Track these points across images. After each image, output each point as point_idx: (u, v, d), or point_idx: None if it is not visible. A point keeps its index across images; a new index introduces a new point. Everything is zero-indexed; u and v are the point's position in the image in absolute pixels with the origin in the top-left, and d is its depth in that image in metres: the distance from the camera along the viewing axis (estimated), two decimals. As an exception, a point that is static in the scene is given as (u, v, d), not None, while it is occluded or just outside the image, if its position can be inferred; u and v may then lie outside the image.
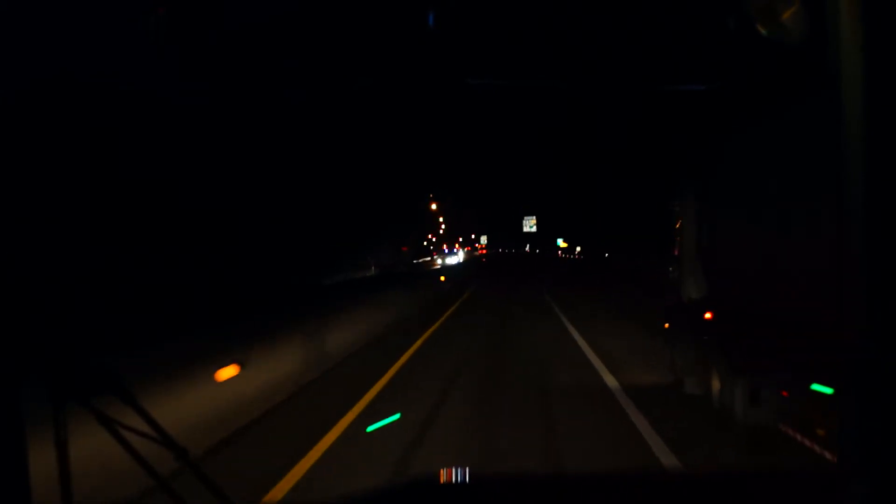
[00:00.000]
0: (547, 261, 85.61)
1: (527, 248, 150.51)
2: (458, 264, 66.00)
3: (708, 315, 6.52)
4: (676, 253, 7.82)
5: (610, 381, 8.05)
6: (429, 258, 70.86)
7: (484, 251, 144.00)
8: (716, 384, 5.82)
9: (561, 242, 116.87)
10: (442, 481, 1.80)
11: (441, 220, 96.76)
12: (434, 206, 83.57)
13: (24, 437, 1.06)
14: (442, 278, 28.66)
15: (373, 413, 6.61)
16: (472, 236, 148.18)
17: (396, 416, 6.09)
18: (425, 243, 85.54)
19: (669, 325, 7.85)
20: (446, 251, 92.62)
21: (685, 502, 1.53)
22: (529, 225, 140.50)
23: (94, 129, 14.49)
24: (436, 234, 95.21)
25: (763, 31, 1.58)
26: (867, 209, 0.88)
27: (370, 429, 5.85)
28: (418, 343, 12.13)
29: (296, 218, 29.75)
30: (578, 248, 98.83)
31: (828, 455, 4.04)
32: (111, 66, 13.79)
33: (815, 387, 4.06)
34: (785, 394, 4.71)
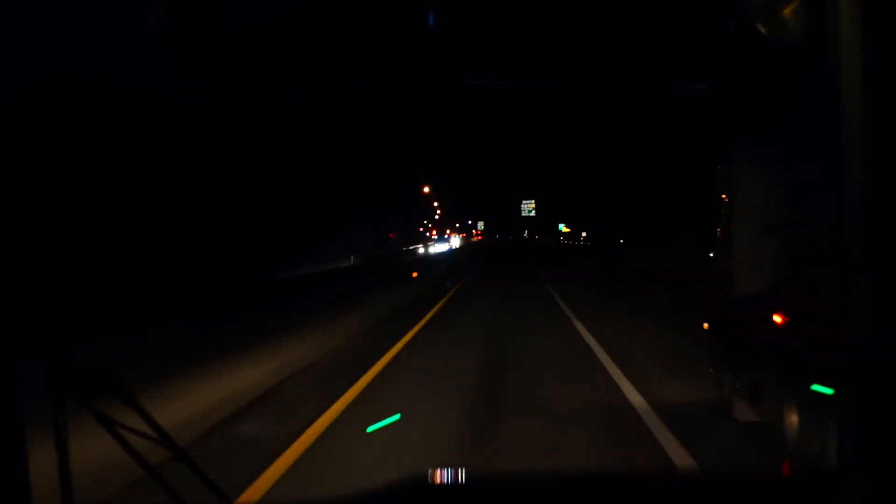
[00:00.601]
0: (548, 248, 74.67)
1: (525, 234, 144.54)
2: (447, 253, 56.77)
3: (778, 318, 4.72)
4: (720, 233, 6.14)
5: (635, 398, 6.35)
6: (418, 245, 62.88)
7: (480, 237, 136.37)
8: (791, 418, 4.41)
9: (563, 227, 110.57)
10: (439, 481, 1.80)
11: (436, 205, 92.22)
12: (427, 190, 78.22)
13: (24, 437, 1.06)
14: (414, 274, 20.24)
15: None
16: (469, 222, 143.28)
17: (397, 417, 6.07)
18: (421, 229, 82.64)
19: (712, 327, 6.22)
20: (436, 238, 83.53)
21: (686, 502, 1.53)
22: (528, 209, 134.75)
23: (94, 129, 14.52)
24: (431, 219, 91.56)
25: (763, 31, 1.58)
26: (867, 209, 0.88)
27: (370, 429, 5.80)
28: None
29: (274, 205, 28.24)
30: (584, 234, 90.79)
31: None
32: (111, 66, 13.81)
33: (815, 387, 4.03)
34: None
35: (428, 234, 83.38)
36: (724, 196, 6.01)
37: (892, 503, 0.87)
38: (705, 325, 6.27)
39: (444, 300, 17.00)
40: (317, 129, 32.64)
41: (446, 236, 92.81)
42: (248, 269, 23.40)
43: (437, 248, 68.11)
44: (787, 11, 1.42)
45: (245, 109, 22.43)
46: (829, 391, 3.71)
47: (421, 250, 59.39)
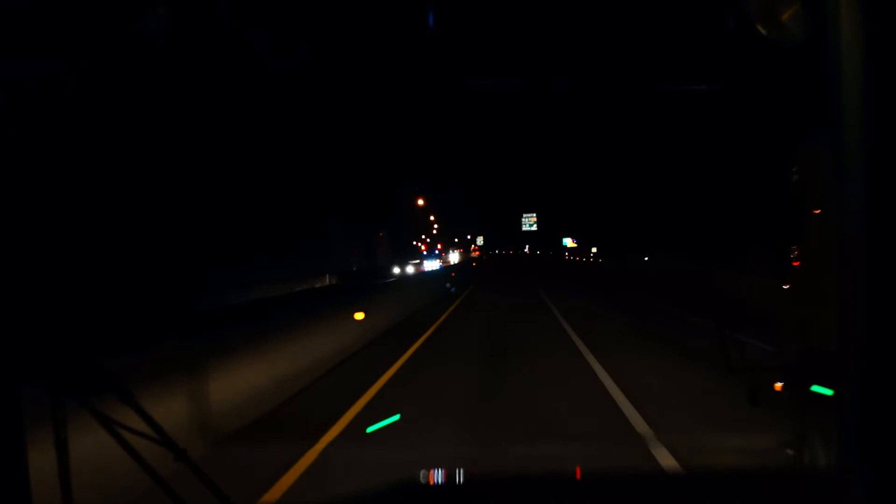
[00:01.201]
0: (559, 267, 60.82)
1: (526, 250, 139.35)
2: (432, 274, 42.64)
3: None
4: (800, 257, 4.45)
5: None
6: (392, 266, 47.14)
7: (478, 253, 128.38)
8: None
9: (568, 242, 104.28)
10: (439, 482, 1.79)
11: (432, 218, 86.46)
12: (421, 202, 72.62)
13: (24, 437, 1.06)
14: (359, 316, 11.34)
15: None
16: (469, 237, 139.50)
17: (396, 417, 6.08)
18: (418, 244, 78.64)
19: (796, 392, 4.21)
20: (425, 254, 72.84)
21: (685, 502, 1.53)
22: (529, 223, 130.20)
23: (92, 130, 14.46)
24: (428, 234, 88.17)
25: (763, 31, 1.58)
26: (867, 209, 0.88)
27: (370, 429, 5.83)
28: None
29: (241, 212, 24.99)
30: (594, 250, 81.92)
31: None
32: (111, 66, 13.79)
33: (815, 388, 4.02)
34: None
35: (424, 248, 76.32)
36: (814, 209, 4.20)
37: (891, 503, 0.87)
38: (777, 387, 4.62)
39: (394, 369, 8.90)
40: (303, 133, 30.78)
41: (437, 251, 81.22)
42: (184, 293, 18.93)
43: (422, 267, 54.97)
44: (787, 12, 1.42)
45: (229, 107, 21.62)
46: (828, 392, 3.70)
47: (396, 270, 44.44)
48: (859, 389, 0.89)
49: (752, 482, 1.64)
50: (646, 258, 43.25)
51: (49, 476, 1.18)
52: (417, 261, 61.01)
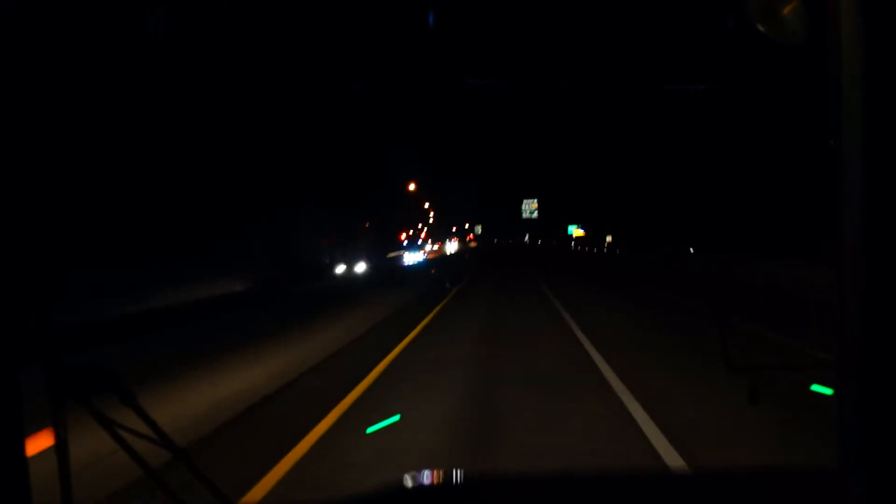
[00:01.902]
0: (564, 261, 48.93)
1: (526, 239, 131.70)
2: (408, 271, 35.04)
3: None
4: None
5: None
6: (337, 263, 36.61)
7: (475, 243, 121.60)
8: None
9: (575, 230, 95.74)
10: (436, 483, 1.79)
11: (427, 206, 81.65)
12: (412, 187, 67.70)
13: (24, 436, 1.06)
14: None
15: None
16: (467, 226, 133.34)
17: (396, 418, 6.08)
18: (413, 232, 73.29)
19: None
20: (406, 244, 64.48)
21: (686, 502, 1.53)
22: (530, 210, 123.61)
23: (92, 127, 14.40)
24: (425, 223, 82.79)
25: (762, 30, 1.58)
26: (867, 209, 0.88)
27: (370, 430, 5.84)
28: None
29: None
30: (609, 239, 72.25)
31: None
32: (111, 66, 13.77)
33: (815, 387, 4.02)
34: None
35: (404, 237, 70.12)
36: None
37: (892, 503, 0.87)
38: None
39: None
40: (277, 111, 28.27)
41: (419, 242, 73.11)
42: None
43: (409, 259, 47.96)
44: (787, 11, 1.42)
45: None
46: (828, 391, 3.71)
47: (339, 269, 33.28)
48: (859, 389, 0.89)
49: (751, 481, 1.64)
50: (690, 249, 32.42)
51: (49, 476, 1.18)
52: (411, 251, 54.94)
